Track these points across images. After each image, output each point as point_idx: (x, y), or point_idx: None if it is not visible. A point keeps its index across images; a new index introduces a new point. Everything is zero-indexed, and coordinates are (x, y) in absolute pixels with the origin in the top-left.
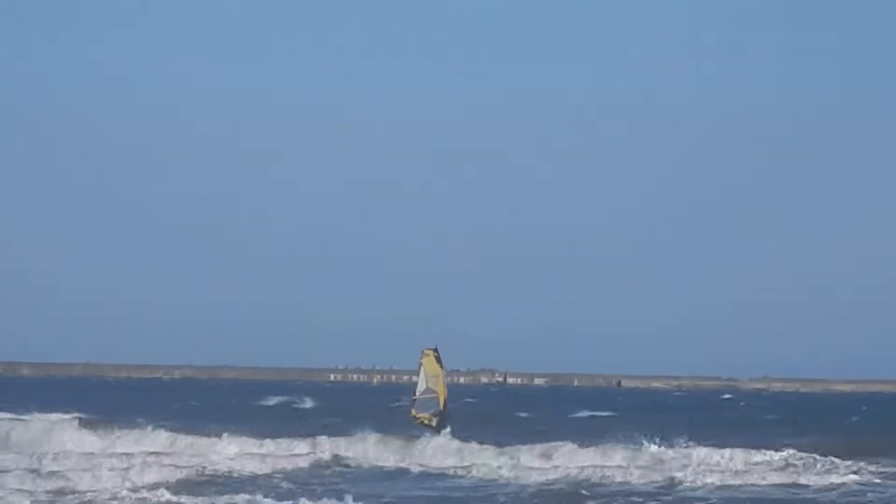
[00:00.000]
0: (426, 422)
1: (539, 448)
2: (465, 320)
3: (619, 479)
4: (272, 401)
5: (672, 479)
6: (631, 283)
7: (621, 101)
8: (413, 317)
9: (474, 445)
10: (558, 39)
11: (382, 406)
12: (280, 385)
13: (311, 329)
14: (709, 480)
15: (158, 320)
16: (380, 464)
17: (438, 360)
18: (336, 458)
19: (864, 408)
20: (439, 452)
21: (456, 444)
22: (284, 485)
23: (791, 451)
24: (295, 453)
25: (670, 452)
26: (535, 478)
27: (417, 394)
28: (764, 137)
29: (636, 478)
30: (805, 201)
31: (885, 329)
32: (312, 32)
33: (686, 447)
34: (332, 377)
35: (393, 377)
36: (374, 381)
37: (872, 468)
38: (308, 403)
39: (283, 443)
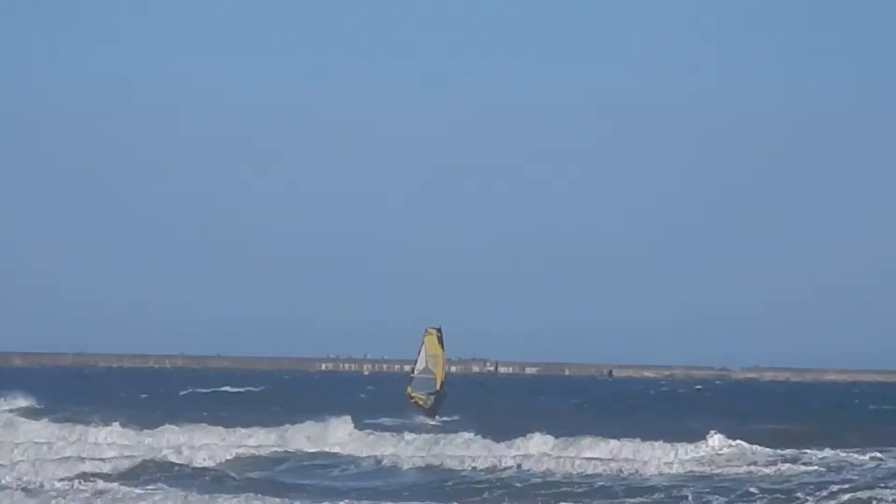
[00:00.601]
0: (420, 402)
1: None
2: (458, 311)
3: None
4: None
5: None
6: (626, 278)
7: (617, 101)
8: (406, 308)
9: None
10: (555, 39)
11: (335, 398)
12: (267, 375)
13: (304, 319)
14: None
15: (151, 311)
16: (258, 453)
17: (440, 340)
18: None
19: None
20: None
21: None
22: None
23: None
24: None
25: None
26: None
27: (416, 372)
28: (756, 136)
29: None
30: (797, 198)
31: (879, 320)
32: (313, 33)
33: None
34: (323, 366)
35: (384, 367)
36: (365, 370)
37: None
38: (253, 392)
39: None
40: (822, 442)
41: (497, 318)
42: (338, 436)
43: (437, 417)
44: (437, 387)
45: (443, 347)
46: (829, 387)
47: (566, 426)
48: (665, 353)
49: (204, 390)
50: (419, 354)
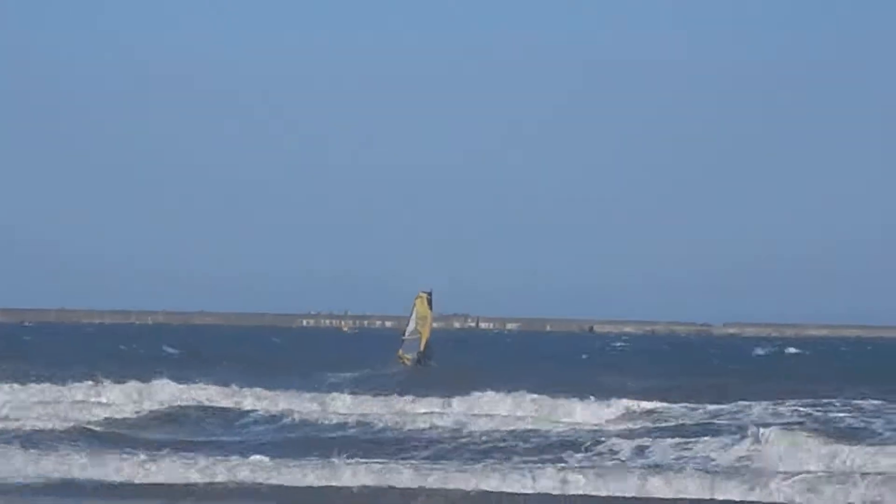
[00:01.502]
0: (407, 362)
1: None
2: (439, 267)
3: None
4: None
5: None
6: (608, 234)
7: (597, 57)
8: (388, 264)
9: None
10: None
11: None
12: (248, 331)
13: (285, 275)
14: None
15: (133, 267)
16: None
17: (430, 303)
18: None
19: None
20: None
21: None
22: None
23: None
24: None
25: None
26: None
27: (406, 334)
28: (736, 94)
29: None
30: (778, 156)
31: (860, 276)
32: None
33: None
34: (304, 322)
35: (365, 322)
36: (345, 326)
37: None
38: (174, 351)
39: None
40: (710, 395)
41: (478, 274)
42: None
43: (431, 363)
44: (421, 348)
45: (431, 309)
46: (810, 342)
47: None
48: (647, 309)
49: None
50: (411, 317)
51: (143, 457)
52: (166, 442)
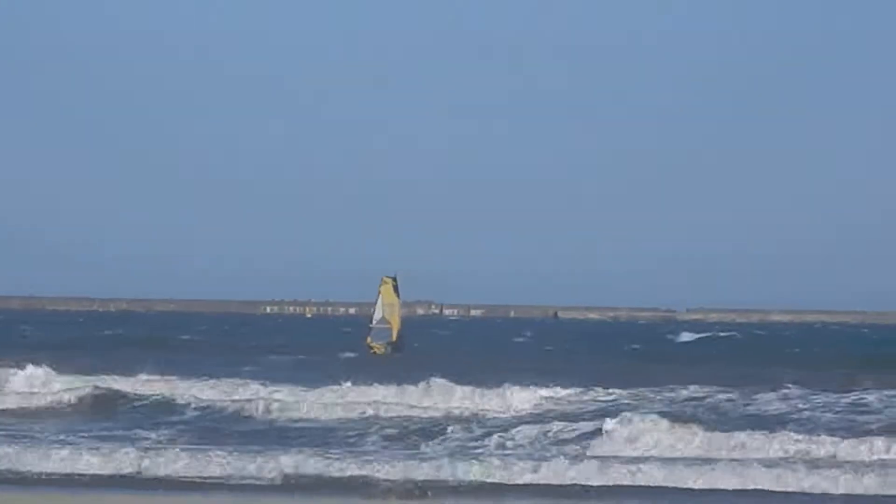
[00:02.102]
0: (378, 351)
1: None
2: (402, 253)
3: None
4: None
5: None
6: (573, 220)
7: (575, 42)
8: (351, 251)
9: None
10: None
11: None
12: (208, 317)
13: (249, 262)
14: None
15: (97, 254)
16: None
17: (396, 289)
18: None
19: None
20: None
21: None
22: None
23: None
24: None
25: None
26: None
27: (374, 322)
28: (706, 80)
29: None
30: (745, 142)
31: (823, 262)
32: None
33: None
34: (267, 309)
35: (329, 309)
36: (308, 313)
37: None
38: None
39: None
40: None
41: (442, 260)
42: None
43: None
44: (393, 338)
45: (398, 296)
46: (774, 327)
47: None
48: (612, 296)
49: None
50: (376, 304)
51: None
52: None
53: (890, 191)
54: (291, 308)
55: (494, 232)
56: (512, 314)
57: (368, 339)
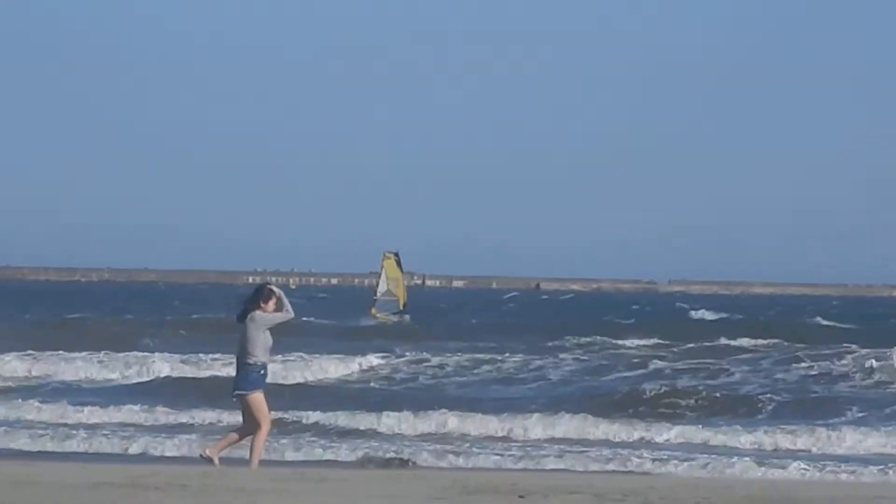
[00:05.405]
0: (382, 320)
1: None
2: (385, 224)
3: None
4: None
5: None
6: (555, 192)
7: (559, 27)
8: (333, 222)
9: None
10: None
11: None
12: (190, 288)
13: (231, 232)
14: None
15: (79, 223)
16: None
17: (399, 264)
18: None
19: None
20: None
21: None
22: None
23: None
24: None
25: None
26: None
27: (378, 294)
28: (687, 55)
29: None
30: (726, 115)
31: (806, 235)
32: None
33: None
34: (249, 279)
35: (311, 280)
36: (292, 284)
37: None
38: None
39: None
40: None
41: (424, 231)
42: None
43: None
44: (401, 307)
45: (401, 270)
46: (755, 300)
47: None
48: (594, 267)
49: None
50: (380, 278)
51: None
52: None
53: (871, 162)
54: (273, 279)
55: (476, 203)
56: (494, 285)
57: (373, 310)
